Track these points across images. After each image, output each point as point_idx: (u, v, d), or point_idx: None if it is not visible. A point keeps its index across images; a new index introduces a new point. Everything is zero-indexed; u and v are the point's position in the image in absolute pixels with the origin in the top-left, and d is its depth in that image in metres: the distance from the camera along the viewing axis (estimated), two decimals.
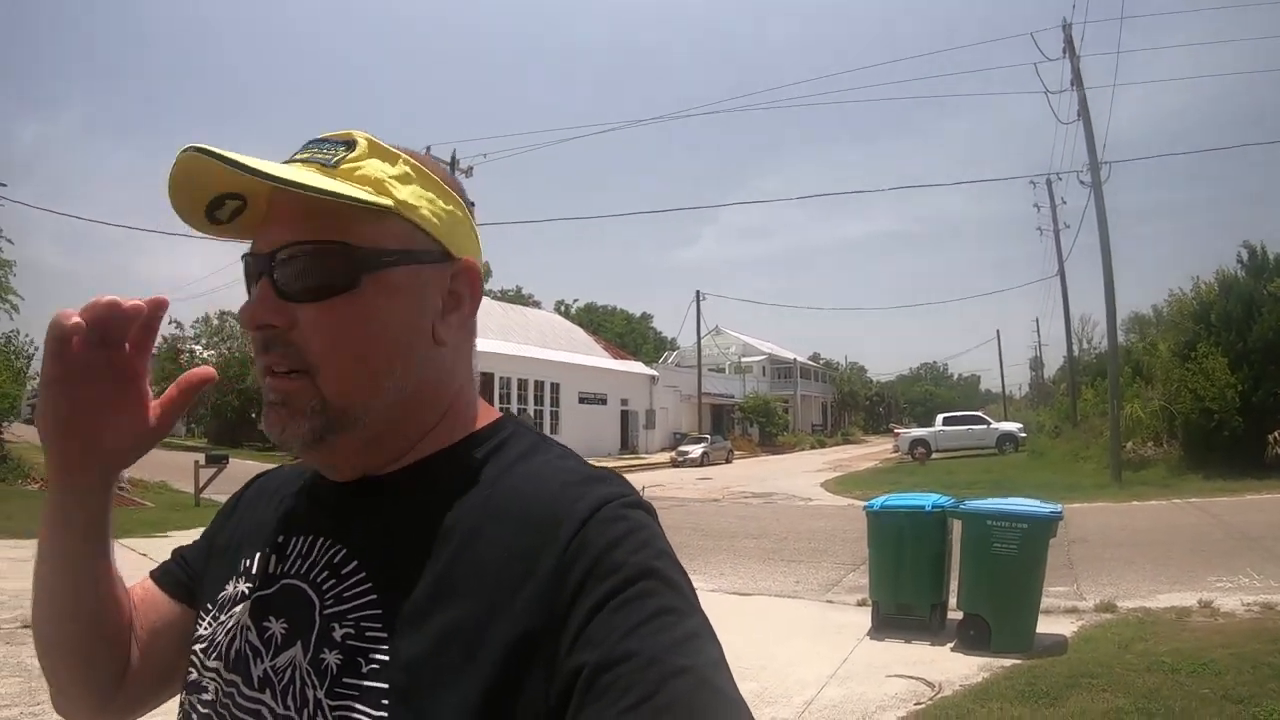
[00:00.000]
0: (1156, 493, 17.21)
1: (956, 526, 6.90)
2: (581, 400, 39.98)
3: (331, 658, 0.69)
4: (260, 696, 0.72)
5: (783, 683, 5.76)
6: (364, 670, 0.67)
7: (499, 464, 0.77)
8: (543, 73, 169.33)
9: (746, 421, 52.32)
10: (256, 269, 0.75)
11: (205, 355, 46.03)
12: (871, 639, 6.93)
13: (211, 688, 0.78)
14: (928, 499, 7.19)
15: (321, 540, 0.78)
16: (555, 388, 38.25)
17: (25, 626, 6.49)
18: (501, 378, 34.57)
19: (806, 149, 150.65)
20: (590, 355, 43.30)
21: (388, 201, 0.73)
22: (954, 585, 6.99)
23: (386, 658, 0.67)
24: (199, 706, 0.79)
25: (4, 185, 22.06)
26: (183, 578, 0.94)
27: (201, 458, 18.24)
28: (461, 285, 0.79)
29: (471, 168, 28.07)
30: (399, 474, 0.78)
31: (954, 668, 6.01)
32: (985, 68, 62.94)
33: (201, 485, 17.11)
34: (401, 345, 0.75)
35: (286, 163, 0.75)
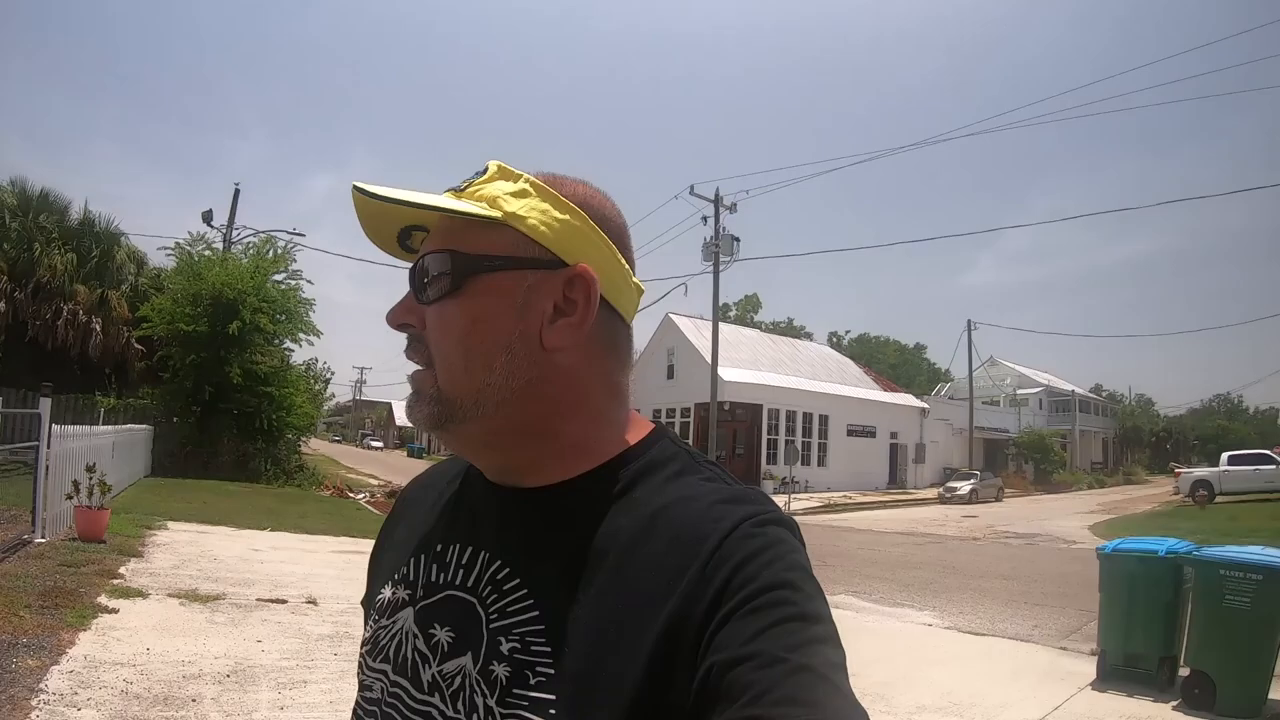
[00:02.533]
0: None
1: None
2: (850, 432, 39.30)
3: (500, 669, 0.73)
4: (430, 700, 0.77)
5: None
6: (532, 682, 0.71)
7: (650, 485, 0.80)
8: (801, 114, 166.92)
9: (1021, 458, 49.01)
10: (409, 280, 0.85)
11: None
12: (1094, 689, 6.66)
13: (377, 687, 0.84)
14: (1164, 543, 6.77)
15: (483, 553, 0.82)
16: (824, 419, 37.97)
17: (309, 601, 7.71)
18: (770, 409, 35.04)
19: (1079, 165, 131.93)
20: (859, 387, 42.49)
21: (495, 213, 0.80)
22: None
23: (552, 671, 0.71)
24: (364, 704, 0.86)
25: (303, 235, 26.14)
26: None
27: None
28: (576, 291, 0.80)
29: (735, 204, 28.88)
30: (551, 490, 0.82)
31: None
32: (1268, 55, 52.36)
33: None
34: (500, 344, 0.79)
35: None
